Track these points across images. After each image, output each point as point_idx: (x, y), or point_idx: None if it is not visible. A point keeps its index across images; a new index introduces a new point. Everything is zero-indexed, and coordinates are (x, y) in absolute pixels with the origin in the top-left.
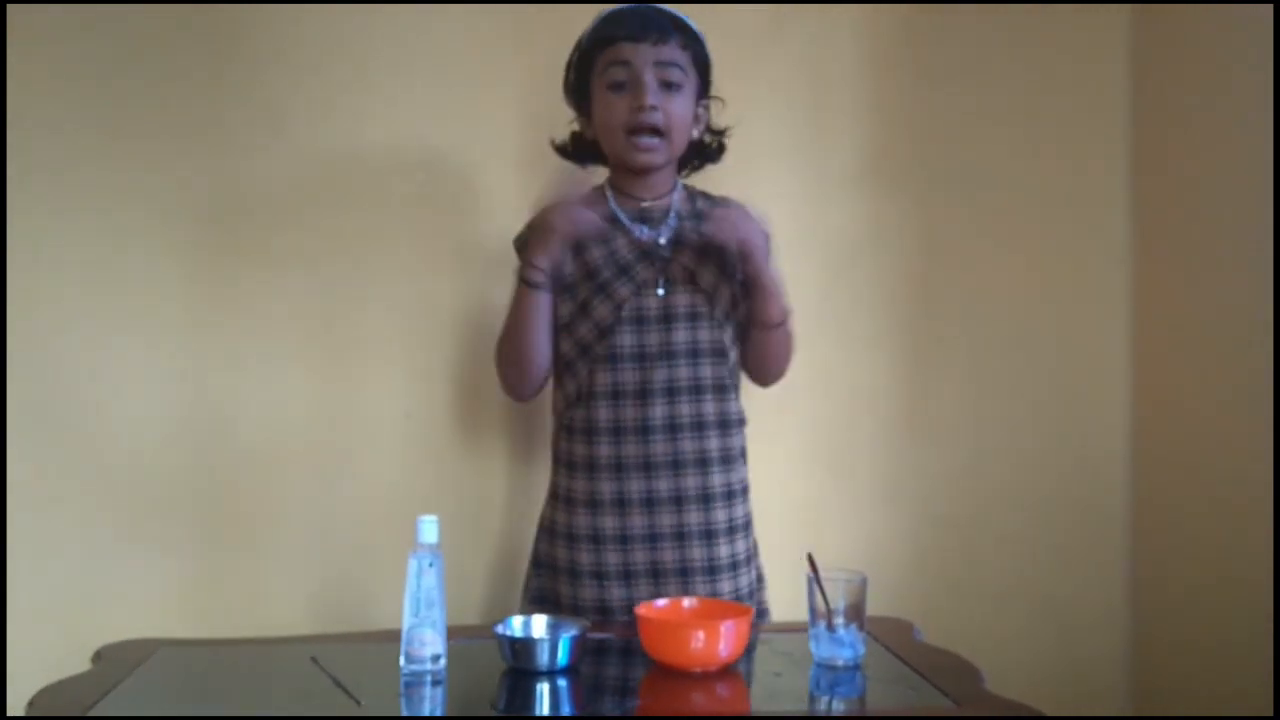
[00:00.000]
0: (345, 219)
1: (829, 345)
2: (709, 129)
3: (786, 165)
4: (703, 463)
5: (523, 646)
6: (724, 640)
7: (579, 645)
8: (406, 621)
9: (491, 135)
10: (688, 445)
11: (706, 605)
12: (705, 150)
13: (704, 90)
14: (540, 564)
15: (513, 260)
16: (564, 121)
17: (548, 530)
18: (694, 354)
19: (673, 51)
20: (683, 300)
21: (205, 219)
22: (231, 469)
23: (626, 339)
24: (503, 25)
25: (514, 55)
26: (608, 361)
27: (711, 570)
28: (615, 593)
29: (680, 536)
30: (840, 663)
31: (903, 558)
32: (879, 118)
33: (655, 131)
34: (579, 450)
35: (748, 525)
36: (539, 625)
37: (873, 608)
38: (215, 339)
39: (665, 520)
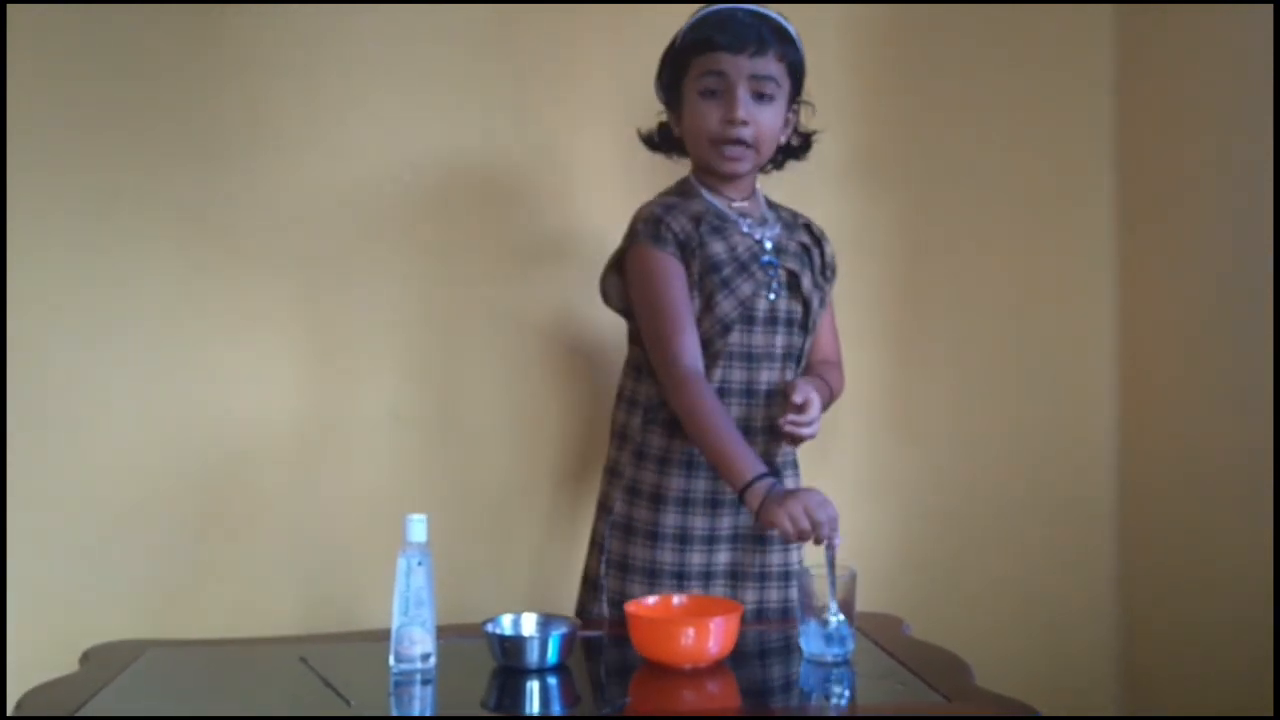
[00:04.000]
0: (333, 219)
1: None
2: (796, 131)
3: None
4: (783, 466)
5: (512, 645)
6: (714, 637)
7: (569, 643)
8: (396, 620)
9: (478, 134)
10: (775, 448)
11: (696, 602)
12: (791, 149)
13: (795, 94)
14: (612, 563)
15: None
16: (549, 118)
17: (623, 527)
18: (787, 358)
19: (768, 65)
20: (784, 305)
21: (193, 220)
22: (220, 469)
23: (736, 338)
24: (488, 24)
25: (499, 54)
26: (722, 358)
27: (762, 577)
28: (695, 594)
29: (762, 540)
30: (830, 658)
31: (891, 553)
32: (865, 116)
33: (742, 144)
34: (677, 445)
35: None
36: (529, 623)
37: (861, 603)
38: (203, 339)
39: (752, 523)
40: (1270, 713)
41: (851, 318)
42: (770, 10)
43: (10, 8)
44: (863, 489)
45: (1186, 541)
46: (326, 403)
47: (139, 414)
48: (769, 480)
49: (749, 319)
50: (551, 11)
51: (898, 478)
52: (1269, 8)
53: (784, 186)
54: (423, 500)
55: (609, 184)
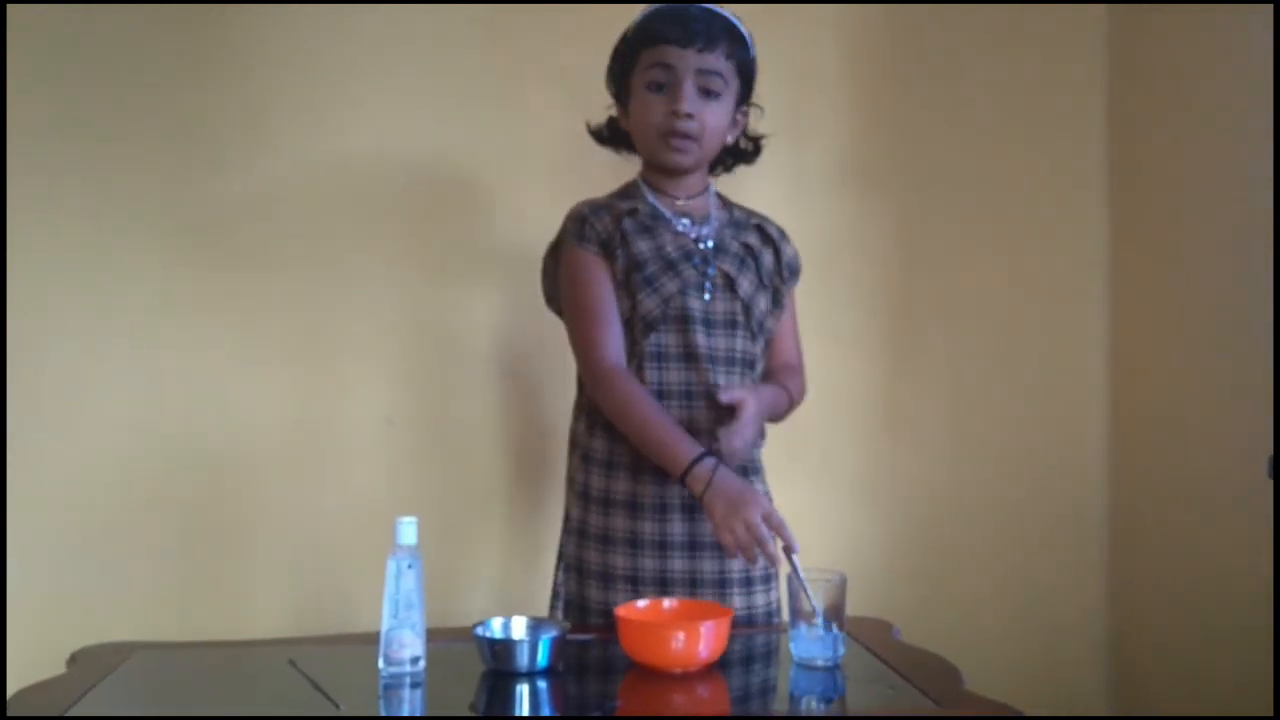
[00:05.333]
0: (327, 223)
1: (808, 347)
2: (745, 134)
3: (766, 167)
4: (741, 470)
5: (502, 648)
6: (704, 641)
7: (559, 647)
8: (385, 624)
9: (474, 137)
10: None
11: (686, 606)
12: (740, 153)
13: (745, 95)
14: (569, 567)
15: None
16: (541, 120)
17: (577, 532)
18: (730, 361)
19: (716, 60)
20: (723, 307)
21: (188, 224)
22: (212, 472)
23: (672, 338)
24: (481, 26)
25: (491, 56)
26: (654, 360)
27: (749, 582)
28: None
29: (717, 547)
30: (820, 663)
31: (882, 558)
32: (858, 120)
33: (688, 136)
34: (621, 449)
35: None
36: (518, 627)
37: (852, 608)
38: (197, 342)
39: (709, 530)
40: (1270, 713)
41: (845, 321)
42: (724, 9)
43: (9, 8)
44: (854, 493)
45: (1178, 547)
46: (318, 405)
47: (130, 416)
48: (709, 462)
49: (683, 319)
50: (548, 13)
51: (889, 482)
52: (1268, 8)
53: (777, 190)
54: (413, 503)
55: (604, 188)
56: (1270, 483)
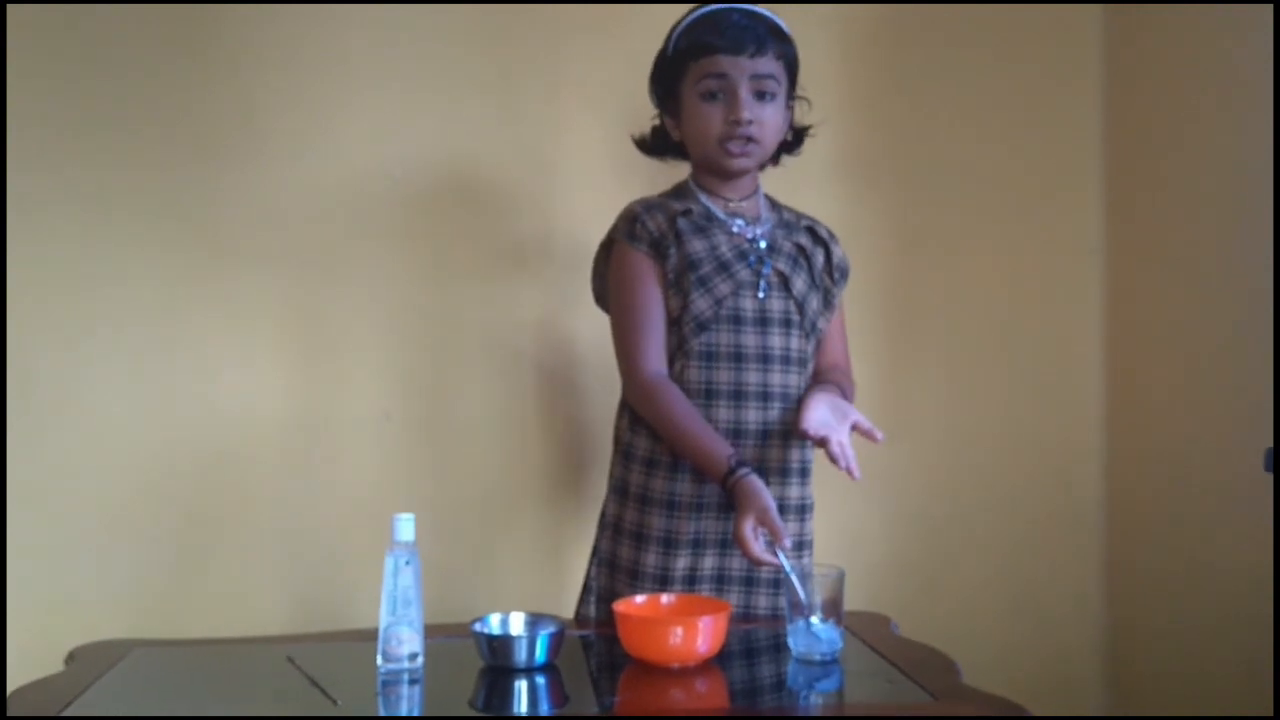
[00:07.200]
0: (322, 217)
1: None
2: (792, 127)
3: None
4: (784, 473)
5: (500, 644)
6: (702, 636)
7: (557, 642)
8: (383, 620)
9: (468, 133)
10: (774, 454)
11: (685, 601)
12: (785, 144)
13: (791, 90)
14: (603, 562)
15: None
16: (538, 117)
17: (612, 527)
18: (785, 361)
19: (768, 64)
20: (778, 306)
21: (183, 218)
22: (209, 468)
23: (723, 338)
24: (479, 24)
25: (488, 52)
26: (703, 360)
27: (778, 583)
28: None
29: None
30: (818, 657)
31: (879, 552)
32: (854, 115)
33: (750, 140)
34: (661, 447)
35: (811, 544)
36: (516, 622)
37: (850, 602)
38: (194, 338)
39: None
40: (1270, 713)
41: None
42: (762, 8)
43: (9, 7)
44: (851, 488)
45: (1173, 540)
46: (315, 402)
47: (127, 413)
48: (742, 469)
49: (735, 319)
50: (540, 11)
51: (885, 477)
52: (1268, 8)
53: (772, 185)
54: (410, 500)
55: (598, 183)
56: (1268, 476)
